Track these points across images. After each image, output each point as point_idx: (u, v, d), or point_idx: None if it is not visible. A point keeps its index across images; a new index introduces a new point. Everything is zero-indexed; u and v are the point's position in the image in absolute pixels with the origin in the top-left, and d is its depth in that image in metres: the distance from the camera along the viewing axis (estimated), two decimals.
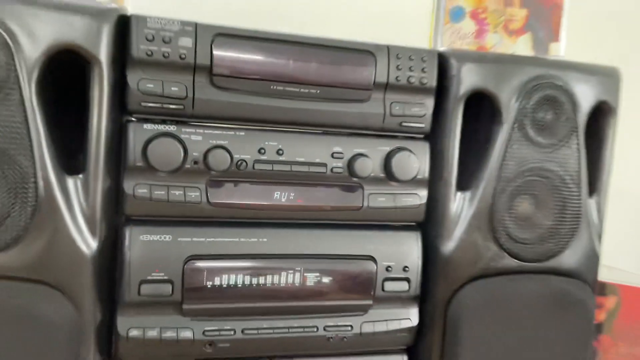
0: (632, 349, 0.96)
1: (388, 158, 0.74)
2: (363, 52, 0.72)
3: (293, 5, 1.33)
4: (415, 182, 0.76)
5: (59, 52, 0.61)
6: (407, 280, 0.77)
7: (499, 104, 0.76)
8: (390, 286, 0.76)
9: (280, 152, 0.70)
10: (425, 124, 0.76)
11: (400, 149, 0.75)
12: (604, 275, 1.01)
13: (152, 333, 0.68)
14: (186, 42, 0.65)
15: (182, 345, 0.69)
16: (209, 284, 0.69)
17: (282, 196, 0.72)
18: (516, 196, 0.78)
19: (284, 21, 1.32)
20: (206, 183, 0.69)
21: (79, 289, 0.63)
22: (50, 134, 0.61)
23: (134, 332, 0.67)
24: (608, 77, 0.82)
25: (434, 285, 0.78)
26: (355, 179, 0.73)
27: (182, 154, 0.66)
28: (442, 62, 0.76)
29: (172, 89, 0.66)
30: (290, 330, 0.73)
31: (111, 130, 0.65)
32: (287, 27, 1.33)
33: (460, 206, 0.77)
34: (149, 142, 0.66)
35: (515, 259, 0.79)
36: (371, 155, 0.73)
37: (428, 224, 0.78)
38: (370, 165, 0.73)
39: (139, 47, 0.64)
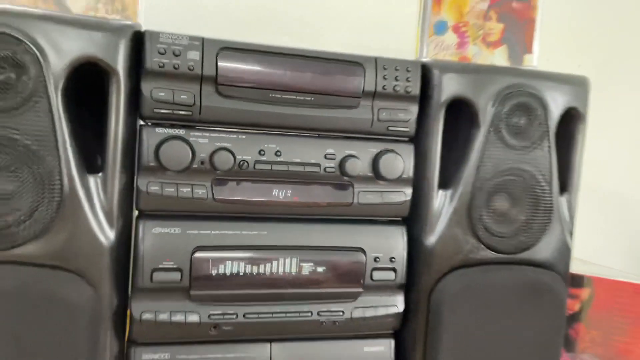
0: (605, 336, 1.04)
1: (376, 159, 0.81)
2: (353, 64, 0.79)
3: (290, 16, 1.39)
4: (400, 180, 0.83)
5: (81, 64, 0.69)
6: (394, 270, 0.84)
7: (477, 110, 0.83)
8: (378, 275, 0.83)
9: (278, 153, 0.78)
10: (409, 128, 0.83)
11: (387, 150, 0.82)
12: (579, 268, 1.08)
13: (163, 316, 0.75)
14: (194, 55, 0.73)
15: (190, 327, 0.76)
16: (214, 272, 0.76)
17: (280, 193, 0.79)
18: (493, 194, 0.85)
19: (282, 30, 1.38)
20: (212, 181, 0.76)
21: (98, 275, 0.71)
22: (73, 137, 0.68)
23: (146, 315, 0.74)
24: (577, 85, 0.89)
25: (418, 275, 0.85)
26: (346, 178, 0.81)
27: (190, 155, 0.73)
28: (425, 72, 0.83)
29: (182, 97, 0.73)
30: (287, 314, 0.80)
31: (127, 133, 0.72)
32: (286, 36, 1.41)
33: (442, 203, 0.84)
34: (160, 144, 0.73)
35: (492, 251, 0.86)
36: (361, 156, 0.81)
37: (412, 219, 0.85)
38: (360, 166, 0.80)
39: (152, 60, 0.71)
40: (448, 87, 0.82)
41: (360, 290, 0.82)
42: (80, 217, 0.69)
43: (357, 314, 0.82)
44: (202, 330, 0.77)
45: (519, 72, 0.86)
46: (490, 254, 0.86)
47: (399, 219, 0.86)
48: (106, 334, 0.72)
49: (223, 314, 0.77)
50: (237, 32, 1.35)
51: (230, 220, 0.78)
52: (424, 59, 0.85)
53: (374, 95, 0.80)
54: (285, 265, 0.79)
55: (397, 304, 0.85)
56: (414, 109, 0.82)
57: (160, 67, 0.72)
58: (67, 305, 0.69)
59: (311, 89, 0.78)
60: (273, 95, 0.76)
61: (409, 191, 0.84)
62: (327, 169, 0.80)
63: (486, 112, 0.83)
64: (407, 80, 0.81)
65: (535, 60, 0.93)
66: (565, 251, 0.90)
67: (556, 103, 0.86)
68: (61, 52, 0.67)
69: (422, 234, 0.84)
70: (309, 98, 0.78)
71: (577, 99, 0.88)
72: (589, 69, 1.63)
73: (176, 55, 0.72)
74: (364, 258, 0.82)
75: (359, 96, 0.79)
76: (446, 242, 0.84)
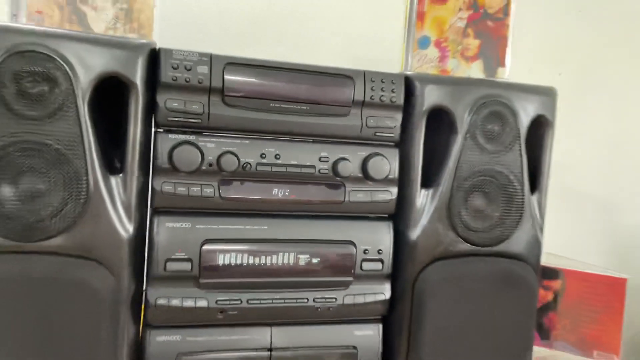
0: (575, 324, 1.13)
1: (365, 161, 0.90)
2: (344, 77, 0.88)
3: (286, 29, 1.47)
4: (387, 181, 0.92)
5: (104, 78, 0.78)
6: (381, 261, 0.93)
7: (455, 117, 0.92)
8: (367, 266, 0.92)
9: (278, 156, 0.87)
10: (395, 134, 0.92)
11: (374, 154, 0.91)
12: (552, 261, 1.18)
13: (175, 302, 0.84)
14: (203, 69, 0.82)
15: (199, 312, 0.84)
16: (221, 262, 0.85)
17: (279, 192, 0.88)
18: (470, 193, 0.94)
19: (278, 42, 1.47)
20: (218, 181, 0.85)
21: (118, 264, 0.79)
22: (97, 142, 0.78)
23: (160, 301, 0.83)
24: (545, 95, 0.98)
25: (403, 266, 0.93)
26: (338, 178, 0.90)
27: (200, 158, 0.82)
28: (409, 84, 0.92)
29: (192, 106, 0.82)
30: (285, 301, 0.88)
31: (144, 139, 0.81)
32: (281, 47, 1.49)
33: (424, 201, 0.93)
34: (173, 148, 0.82)
35: (470, 244, 0.94)
36: (351, 159, 0.90)
37: (398, 215, 0.94)
38: (351, 167, 0.89)
39: (166, 74, 0.80)
40: (429, 98, 0.92)
41: (351, 279, 0.91)
42: (103, 213, 0.78)
43: (349, 300, 0.91)
44: (210, 315, 0.85)
45: (493, 83, 0.96)
46: (468, 247, 0.95)
47: (386, 215, 0.94)
48: (125, 317, 0.81)
49: (229, 300, 0.86)
50: (236, 44, 1.44)
51: (235, 216, 0.86)
52: (408, 72, 0.95)
53: (362, 104, 0.90)
54: (284, 257, 0.88)
55: (384, 292, 0.94)
56: (399, 117, 0.92)
57: (173, 80, 0.81)
58: (91, 291, 0.77)
59: (307, 99, 0.87)
60: (273, 104, 0.85)
61: (394, 190, 0.93)
62: (321, 171, 0.89)
63: (463, 119, 0.92)
64: (392, 91, 0.90)
65: (507, 73, 1.02)
66: (536, 245, 0.99)
67: (526, 111, 0.96)
68: (88, 67, 0.76)
69: (406, 228, 0.93)
70: (305, 107, 0.87)
71: (545, 108, 0.98)
72: (569, 76, 1.74)
73: (187, 70, 0.81)
74: (355, 250, 0.91)
75: (350, 105, 0.89)
76: (428, 236, 0.93)
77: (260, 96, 0.85)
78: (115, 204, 0.79)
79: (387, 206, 0.93)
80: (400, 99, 0.91)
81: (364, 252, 0.91)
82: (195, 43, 1.43)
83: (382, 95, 0.90)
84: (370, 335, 0.94)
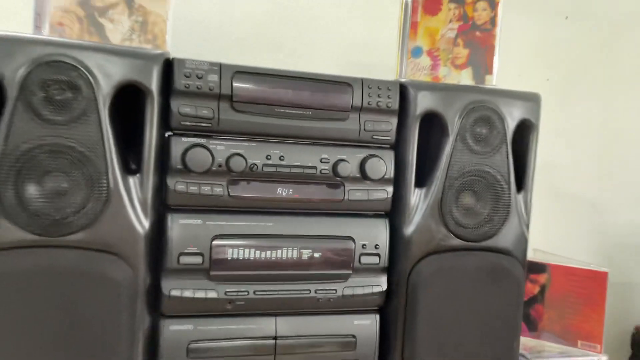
0: (560, 315, 1.20)
1: (363, 162, 0.97)
2: (343, 84, 0.95)
3: (286, 36, 1.53)
4: (383, 181, 0.99)
5: (123, 86, 0.84)
6: (378, 255, 0.99)
7: (446, 121, 0.99)
8: (365, 260, 0.98)
9: (282, 158, 0.93)
10: (390, 137, 0.99)
11: (372, 155, 0.97)
12: (539, 257, 1.25)
13: (188, 293, 0.90)
14: (213, 77, 0.89)
15: (210, 302, 0.91)
16: (229, 256, 0.91)
17: (283, 191, 0.94)
18: (460, 191, 1.00)
19: (278, 49, 1.54)
20: (227, 181, 0.91)
21: (135, 258, 0.85)
22: (116, 144, 0.84)
23: (174, 292, 0.89)
24: (530, 100, 1.05)
25: (398, 260, 1.00)
26: (338, 178, 0.96)
27: (210, 160, 0.88)
28: (403, 90, 0.99)
29: (203, 111, 0.89)
30: (289, 292, 0.94)
31: (159, 142, 0.87)
32: (281, 53, 1.56)
33: (418, 199, 1.00)
34: (186, 150, 0.88)
35: (460, 239, 1.01)
36: (350, 160, 0.96)
37: (393, 212, 1.00)
38: (350, 168, 0.96)
39: (179, 82, 0.87)
40: (422, 103, 0.99)
41: (350, 272, 0.98)
42: (122, 210, 0.84)
43: (348, 292, 0.98)
44: (220, 305, 0.92)
45: (481, 90, 1.03)
46: (459, 242, 1.01)
47: (382, 212, 1.01)
48: (141, 307, 0.87)
49: (237, 291, 0.92)
50: (237, 50, 1.51)
51: (243, 214, 0.93)
52: (402, 79, 1.01)
53: (360, 109, 0.96)
54: (287, 251, 0.94)
55: (381, 284, 1.00)
56: (394, 121, 0.99)
57: (186, 87, 0.87)
58: (111, 282, 0.84)
59: (309, 104, 0.93)
60: (278, 110, 0.92)
61: (390, 189, 1.00)
62: (322, 171, 0.95)
63: (454, 123, 0.99)
64: (388, 97, 0.97)
65: (494, 80, 1.09)
66: (522, 240, 1.06)
67: (512, 115, 1.03)
68: (108, 76, 0.82)
69: (401, 225, 1.00)
70: (307, 112, 0.94)
71: (530, 112, 1.05)
72: (557, 81, 1.82)
73: (199, 78, 0.88)
74: (353, 245, 0.98)
75: (348, 110, 0.96)
76: (421, 232, 1.00)
77: (266, 102, 0.91)
78: (133, 202, 0.85)
79: (384, 204, 1.00)
80: (395, 105, 0.98)
81: (362, 247, 0.98)
82: (198, 49, 1.50)
83: (379, 101, 0.97)
84: (368, 324, 1.00)
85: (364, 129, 0.97)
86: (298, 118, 0.94)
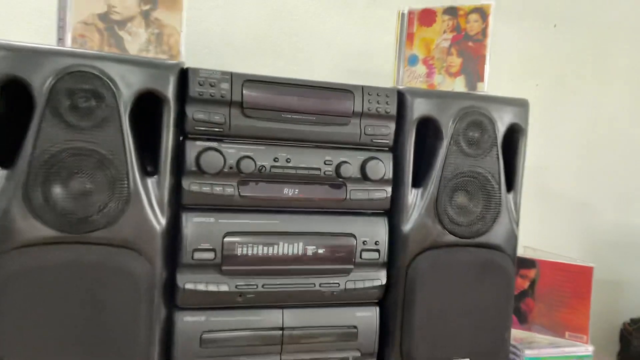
0: (549, 308, 1.27)
1: (363, 164, 1.03)
2: (345, 91, 1.02)
3: (286, 44, 1.59)
4: (383, 181, 1.05)
5: (142, 94, 0.91)
6: (378, 251, 1.05)
7: (441, 126, 1.05)
8: (365, 255, 1.04)
9: (289, 160, 1.00)
10: (389, 141, 1.05)
11: (372, 158, 1.04)
12: (529, 253, 1.32)
13: (201, 286, 0.96)
14: (225, 86, 0.95)
15: (221, 295, 0.97)
16: (240, 252, 0.97)
17: (289, 191, 1.01)
18: (454, 191, 1.07)
19: (279, 56, 1.60)
20: (238, 182, 0.98)
21: (153, 253, 0.92)
22: (136, 148, 0.90)
23: (188, 286, 0.95)
24: (519, 106, 1.12)
25: (396, 255, 1.06)
26: (340, 179, 1.03)
27: (222, 162, 0.95)
28: (400, 97, 1.05)
29: (215, 117, 0.95)
30: (295, 286, 1.01)
31: (174, 146, 0.94)
32: (281, 61, 1.63)
33: (415, 198, 1.06)
34: (200, 153, 0.94)
35: (455, 236, 1.07)
36: (352, 162, 1.03)
37: (392, 211, 1.07)
38: (351, 169, 1.03)
39: (194, 90, 0.93)
40: (418, 109, 1.05)
41: (352, 267, 1.04)
42: (141, 209, 0.90)
43: (350, 285, 1.04)
44: (231, 298, 0.98)
45: (473, 96, 1.10)
46: (453, 238, 1.08)
47: (382, 211, 1.07)
48: (158, 300, 0.93)
49: (247, 285, 0.98)
50: (239, 58, 1.57)
51: (252, 212, 0.99)
52: (399, 87, 1.08)
53: (361, 115, 1.03)
54: (293, 247, 1.00)
55: (380, 278, 1.06)
56: (392, 125, 1.05)
57: (199, 95, 0.94)
58: (131, 276, 0.90)
59: (313, 110, 1.00)
60: (284, 115, 0.99)
61: (389, 189, 1.06)
62: (326, 172, 1.02)
63: (448, 127, 1.06)
64: (387, 103, 1.04)
65: (485, 87, 1.17)
66: (512, 236, 1.13)
67: (502, 120, 1.10)
68: (129, 85, 0.89)
69: (399, 223, 1.06)
70: (311, 117, 1.00)
71: (518, 117, 1.12)
72: (546, 87, 1.89)
73: (212, 86, 0.94)
74: (355, 242, 1.04)
75: (350, 116, 1.02)
76: (418, 229, 1.06)
77: (274, 108, 0.98)
78: (151, 202, 0.92)
79: (383, 203, 1.06)
80: (393, 110, 1.05)
81: (363, 243, 1.04)
82: (202, 57, 1.56)
83: (378, 107, 1.03)
84: (368, 316, 1.07)
85: (365, 133, 1.03)
86: (303, 123, 1.00)
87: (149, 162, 0.94)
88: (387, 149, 1.07)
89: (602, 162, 1.99)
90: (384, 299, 1.08)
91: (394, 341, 1.07)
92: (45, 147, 0.85)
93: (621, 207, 2.03)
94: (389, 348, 1.08)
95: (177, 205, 0.96)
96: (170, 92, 0.92)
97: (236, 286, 0.98)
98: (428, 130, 1.07)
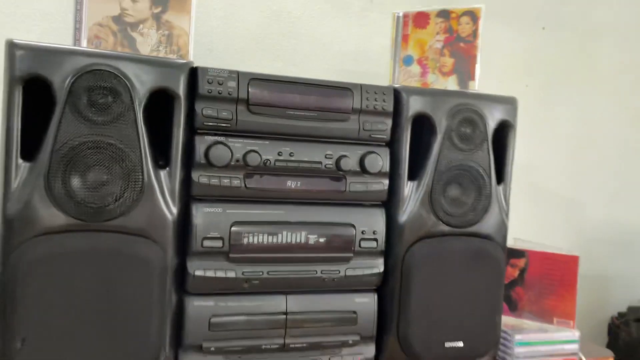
0: (537, 296, 1.34)
1: (362, 158, 1.09)
2: (345, 89, 1.08)
3: (283, 47, 1.65)
4: (380, 174, 1.11)
5: (155, 91, 0.96)
6: (376, 240, 1.11)
7: (435, 122, 1.12)
8: (364, 244, 1.10)
9: (292, 154, 1.05)
10: (386, 136, 1.11)
11: (370, 152, 1.10)
12: (519, 244, 1.39)
13: (210, 273, 1.01)
14: (232, 84, 1.01)
15: (229, 281, 1.02)
16: (246, 240, 1.03)
17: (292, 183, 1.06)
18: (448, 184, 1.13)
19: (277, 58, 1.65)
20: (244, 174, 1.03)
21: (166, 241, 0.97)
22: (149, 142, 0.96)
23: (198, 272, 1.01)
24: (508, 103, 1.18)
25: (393, 244, 1.12)
26: (340, 172, 1.08)
27: (230, 155, 1.00)
28: (397, 95, 1.11)
29: (223, 113, 1.01)
30: (298, 272, 1.06)
31: (185, 140, 0.99)
32: (279, 62, 1.69)
33: (410, 191, 1.12)
34: (208, 147, 1.00)
35: (448, 226, 1.13)
36: (351, 156, 1.08)
37: (389, 202, 1.12)
38: (351, 163, 1.08)
39: (203, 87, 0.99)
40: (413, 106, 1.11)
41: (352, 255, 1.10)
42: (154, 199, 0.96)
43: (350, 273, 1.10)
44: (238, 284, 1.03)
45: (465, 94, 1.16)
46: (447, 228, 1.14)
47: (379, 202, 1.13)
48: (170, 285, 0.99)
49: (253, 272, 1.03)
50: (238, 59, 1.63)
51: (257, 203, 1.05)
52: (396, 85, 1.15)
53: (360, 111, 1.09)
54: (296, 236, 1.06)
55: (378, 266, 1.12)
56: (389, 121, 1.12)
57: (208, 92, 1.00)
58: (144, 262, 0.95)
59: (315, 107, 1.06)
60: (288, 112, 1.04)
61: (386, 182, 1.12)
62: (327, 166, 1.08)
63: (441, 124, 1.12)
64: (384, 100, 1.10)
65: (476, 86, 1.23)
66: (502, 226, 1.19)
67: (492, 117, 1.16)
68: (143, 82, 0.94)
69: (396, 213, 1.12)
70: (313, 114, 1.06)
71: (508, 114, 1.18)
72: (535, 87, 1.96)
73: (219, 84, 1.00)
74: (354, 231, 1.10)
75: (349, 112, 1.08)
76: (414, 220, 1.12)
77: (278, 105, 1.04)
78: (163, 193, 0.97)
79: (381, 195, 1.12)
80: (390, 107, 1.11)
81: (362, 233, 1.10)
82: (202, 57, 1.62)
83: (376, 104, 1.10)
84: (367, 302, 1.12)
85: (363, 129, 1.10)
86: (305, 119, 1.06)
87: (160, 156, 0.99)
88: (384, 143, 1.12)
89: (590, 161, 2.06)
90: (382, 286, 1.14)
91: (392, 325, 1.13)
92: (66, 140, 0.90)
93: (609, 204, 2.10)
94: (387, 332, 1.13)
95: (188, 196, 1.01)
96: (181, 89, 0.97)
97: (243, 273, 1.03)
98: (423, 126, 1.13)
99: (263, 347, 1.05)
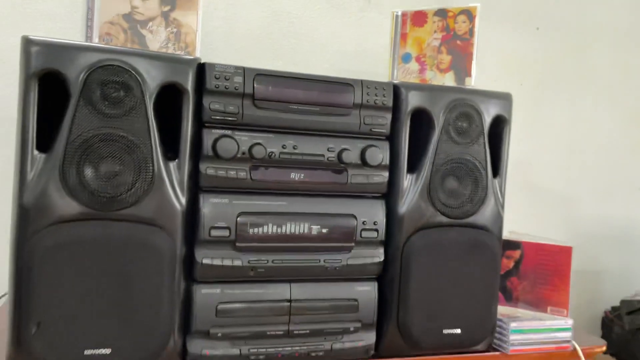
0: (532, 286, 1.38)
1: (363, 151, 1.13)
2: (346, 84, 1.12)
3: (284, 46, 1.70)
4: (380, 167, 1.15)
5: (164, 86, 1.00)
6: (376, 230, 1.15)
7: (432, 117, 1.16)
8: (365, 234, 1.14)
9: (295, 147, 1.09)
10: (386, 130, 1.15)
11: (370, 145, 1.14)
12: (514, 236, 1.43)
13: (217, 261, 1.05)
14: (238, 79, 1.05)
15: (235, 269, 1.06)
16: (252, 230, 1.07)
17: (296, 175, 1.10)
18: (445, 176, 1.17)
19: (277, 57, 1.70)
20: (250, 167, 1.07)
21: (174, 230, 1.01)
22: (159, 135, 1.00)
23: (205, 260, 1.05)
24: (503, 99, 1.22)
25: (393, 234, 1.15)
26: (342, 165, 1.12)
27: (236, 148, 1.04)
28: (396, 90, 1.16)
29: (230, 108, 1.05)
30: (301, 261, 1.10)
31: (193, 133, 1.03)
32: (280, 61, 1.73)
33: (410, 183, 1.16)
34: (216, 140, 1.03)
35: (446, 216, 1.17)
36: (352, 149, 1.12)
37: (389, 194, 1.16)
38: (352, 156, 1.12)
39: (210, 83, 1.03)
40: (412, 101, 1.16)
41: (353, 244, 1.13)
42: (164, 190, 1.00)
43: (351, 262, 1.13)
44: (244, 272, 1.07)
45: (462, 90, 1.21)
46: (444, 219, 1.18)
47: (380, 194, 1.17)
48: (179, 272, 1.02)
49: (258, 260, 1.07)
50: (239, 58, 1.67)
51: (262, 194, 1.08)
52: (395, 81, 1.19)
53: (360, 106, 1.13)
54: (300, 226, 1.10)
55: (379, 255, 1.16)
56: (389, 116, 1.16)
57: (215, 87, 1.04)
58: (155, 249, 0.99)
59: (317, 102, 1.10)
60: (292, 106, 1.08)
61: (386, 174, 1.16)
62: (329, 158, 1.12)
63: (439, 118, 1.16)
64: (384, 96, 1.14)
65: (473, 82, 1.28)
66: (498, 217, 1.23)
67: (488, 112, 1.20)
68: (153, 77, 0.98)
69: (395, 205, 1.16)
70: (316, 108, 1.10)
71: (503, 109, 1.22)
72: (529, 86, 2.01)
73: (226, 80, 1.04)
74: (355, 222, 1.13)
75: (351, 107, 1.13)
76: (413, 211, 1.16)
77: (282, 100, 1.08)
78: (173, 183, 1.01)
79: (381, 187, 1.16)
80: (390, 102, 1.15)
81: (363, 224, 1.14)
82: (204, 57, 1.66)
83: (376, 99, 1.14)
84: (368, 290, 1.16)
85: (364, 123, 1.14)
86: (309, 114, 1.10)
87: (169, 148, 1.03)
88: (384, 137, 1.16)
89: (583, 158, 2.11)
90: (382, 275, 1.17)
91: (392, 313, 1.16)
92: (79, 132, 0.94)
93: (602, 200, 2.15)
94: (387, 319, 1.17)
95: (196, 187, 1.05)
96: (189, 84, 1.01)
97: (248, 261, 1.07)
98: (421, 120, 1.17)
99: (268, 333, 1.09)
